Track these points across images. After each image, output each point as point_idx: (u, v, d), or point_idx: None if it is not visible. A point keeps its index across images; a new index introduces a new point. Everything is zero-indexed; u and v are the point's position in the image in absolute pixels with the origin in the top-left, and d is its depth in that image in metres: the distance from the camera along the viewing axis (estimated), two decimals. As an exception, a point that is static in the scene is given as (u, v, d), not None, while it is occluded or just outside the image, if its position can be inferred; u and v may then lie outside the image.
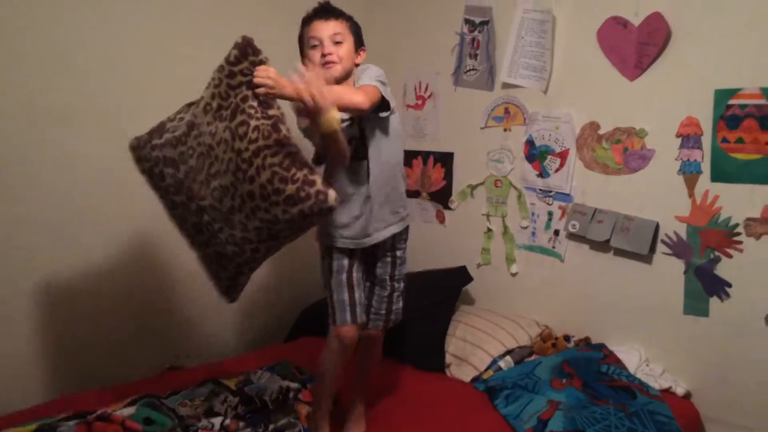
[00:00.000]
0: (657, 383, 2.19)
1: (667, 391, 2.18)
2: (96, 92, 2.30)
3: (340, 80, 1.86)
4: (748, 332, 2.10)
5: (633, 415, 1.96)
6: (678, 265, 2.25)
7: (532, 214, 2.65)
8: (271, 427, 1.97)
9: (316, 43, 1.85)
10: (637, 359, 2.28)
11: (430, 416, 2.08)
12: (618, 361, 2.24)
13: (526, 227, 2.67)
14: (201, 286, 2.63)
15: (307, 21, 1.89)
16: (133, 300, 2.48)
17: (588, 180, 2.47)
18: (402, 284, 2.04)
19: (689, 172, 2.21)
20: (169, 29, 2.48)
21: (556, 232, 2.57)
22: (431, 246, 2.97)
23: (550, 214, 2.59)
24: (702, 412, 2.19)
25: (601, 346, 2.34)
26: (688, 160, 2.21)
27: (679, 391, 2.20)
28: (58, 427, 1.80)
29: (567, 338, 2.48)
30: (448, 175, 2.90)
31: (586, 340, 2.44)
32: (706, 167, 2.17)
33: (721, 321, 2.16)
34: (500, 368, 2.37)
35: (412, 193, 3.03)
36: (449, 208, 2.92)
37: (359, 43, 1.94)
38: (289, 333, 2.84)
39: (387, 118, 1.88)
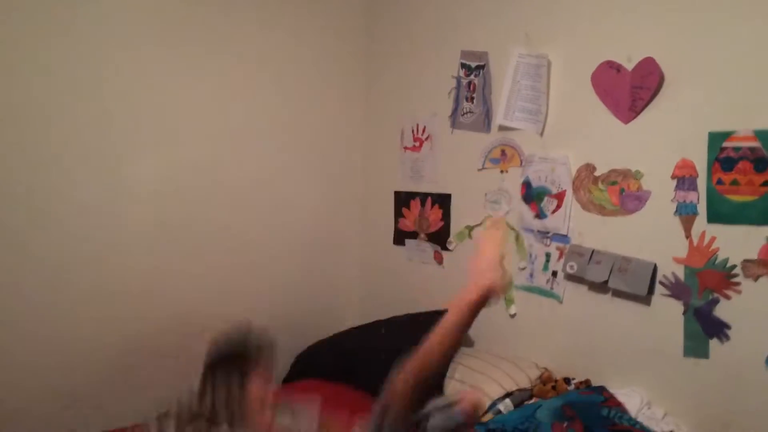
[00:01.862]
0: (659, 427, 2.16)
1: (667, 434, 2.16)
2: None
3: None
4: (748, 374, 2.08)
5: (636, 461, 1.94)
6: (677, 307, 2.24)
7: (530, 255, 2.65)
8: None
9: None
10: (638, 402, 2.25)
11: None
12: (619, 404, 2.22)
13: (524, 268, 2.67)
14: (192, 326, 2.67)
15: None
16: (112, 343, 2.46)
17: (585, 221, 2.48)
18: None
19: (685, 214, 2.23)
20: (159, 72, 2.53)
21: (554, 273, 2.57)
22: (429, 287, 2.97)
23: (547, 255, 2.59)
24: (704, 455, 2.17)
25: (602, 389, 2.31)
26: (684, 201, 2.22)
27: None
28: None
29: (567, 380, 2.46)
30: (446, 216, 2.92)
31: (587, 383, 2.42)
32: (702, 209, 2.18)
33: (721, 363, 2.14)
34: (500, 411, 2.34)
35: (411, 234, 3.04)
36: (447, 249, 2.93)
37: None
38: (286, 377, 2.81)
39: None
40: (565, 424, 2.13)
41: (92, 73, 2.37)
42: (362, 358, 2.67)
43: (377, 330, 2.83)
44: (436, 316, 2.70)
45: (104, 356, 2.45)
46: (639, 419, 2.17)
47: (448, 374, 2.51)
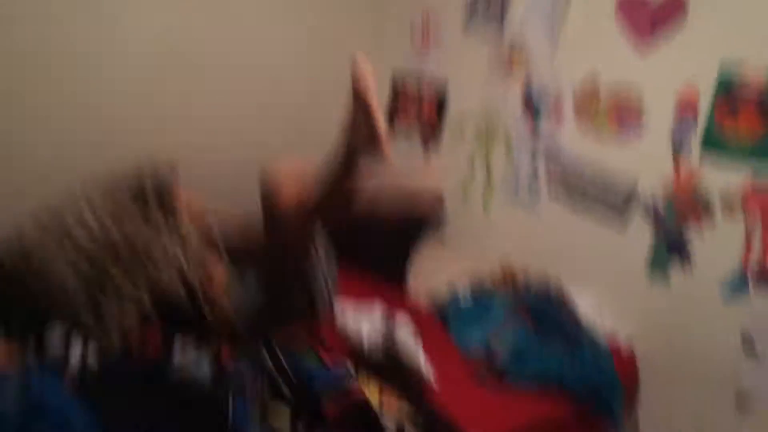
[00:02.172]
0: (605, 332, 2.26)
1: (613, 341, 2.25)
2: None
3: None
4: (701, 300, 2.17)
5: (576, 357, 2.03)
6: (649, 231, 2.30)
7: (518, 162, 2.67)
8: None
9: None
10: (589, 304, 2.34)
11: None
12: (572, 305, 2.30)
13: (509, 174, 2.70)
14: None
15: None
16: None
17: (579, 138, 2.49)
18: None
19: (680, 141, 2.24)
20: None
21: (537, 182, 2.60)
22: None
23: (535, 165, 2.62)
24: (642, 365, 2.28)
25: (558, 288, 2.39)
26: (681, 129, 2.23)
27: (624, 342, 2.27)
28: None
29: (527, 277, 2.54)
30: (441, 112, 2.90)
31: (545, 282, 2.50)
32: (697, 141, 2.19)
33: (679, 287, 2.22)
34: (458, 296, 2.42)
35: (404, 127, 3.03)
36: (436, 145, 2.93)
37: None
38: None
39: None
40: (517, 316, 2.22)
41: None
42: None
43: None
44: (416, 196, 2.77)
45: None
46: (588, 320, 2.26)
47: (415, 251, 2.57)
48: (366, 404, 1.50)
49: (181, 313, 1.58)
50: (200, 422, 1.45)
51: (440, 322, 2.26)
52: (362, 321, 1.87)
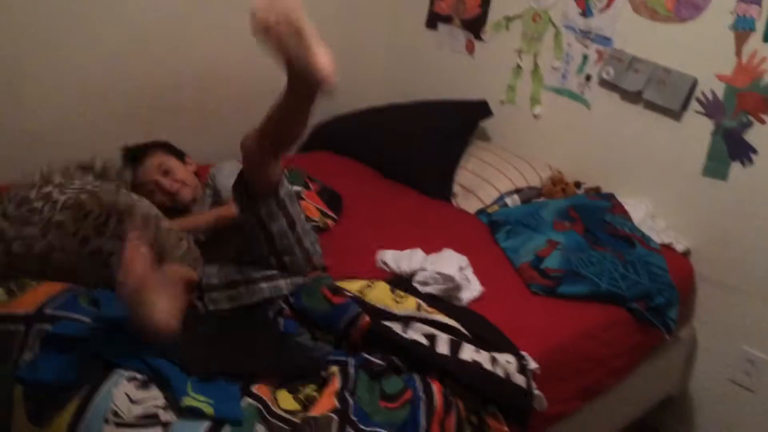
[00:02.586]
0: (658, 238, 2.21)
1: (667, 247, 2.21)
2: None
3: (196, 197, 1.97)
4: (762, 201, 2.08)
5: (628, 263, 2.00)
6: (707, 126, 2.17)
7: (567, 55, 2.52)
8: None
9: (152, 187, 1.91)
10: (643, 213, 2.28)
11: (432, 236, 2.11)
12: (624, 212, 2.25)
13: (557, 68, 2.56)
14: (216, 85, 2.63)
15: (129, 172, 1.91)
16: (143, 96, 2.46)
17: (633, 25, 2.31)
18: None
19: (741, 29, 2.07)
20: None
21: (588, 77, 2.47)
22: (456, 77, 2.87)
23: (585, 57, 2.47)
24: (697, 270, 2.24)
25: (610, 196, 2.33)
26: (744, 15, 2.05)
27: (679, 247, 2.23)
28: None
29: (578, 185, 2.47)
30: (485, 3, 2.73)
31: (597, 189, 2.43)
32: (761, 26, 2.02)
33: (737, 187, 2.13)
34: (506, 205, 2.39)
35: (444, 18, 2.88)
36: (481, 39, 2.78)
37: (180, 155, 2.03)
38: (304, 146, 2.84)
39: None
40: (566, 224, 2.18)
41: None
42: (375, 136, 2.67)
43: (395, 113, 2.80)
44: (460, 105, 2.70)
45: (123, 106, 2.44)
46: (641, 229, 2.21)
47: (460, 163, 2.53)
48: (383, 313, 1.53)
49: None
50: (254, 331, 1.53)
51: (489, 233, 2.25)
52: (402, 260, 1.88)
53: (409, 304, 1.56)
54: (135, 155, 2.04)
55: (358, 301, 1.54)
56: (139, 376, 1.21)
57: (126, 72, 2.41)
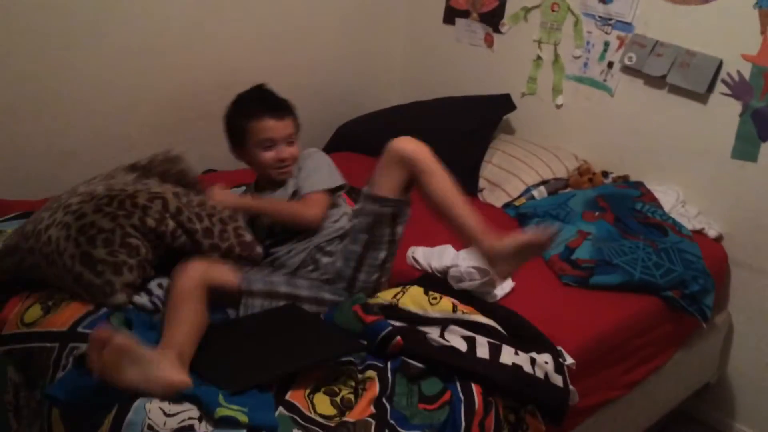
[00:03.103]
0: (690, 224, 2.18)
1: (699, 233, 2.18)
2: None
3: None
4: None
5: (661, 251, 1.97)
6: (735, 107, 2.14)
7: (587, 43, 2.49)
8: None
9: (270, 144, 1.77)
10: (673, 199, 2.25)
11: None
12: (654, 200, 2.22)
13: (578, 57, 2.53)
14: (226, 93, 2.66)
15: (255, 115, 1.77)
16: (170, 105, 2.49)
17: (653, 8, 2.28)
18: None
19: (766, 6, 2.03)
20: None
21: (610, 64, 2.44)
22: (476, 71, 2.86)
23: (606, 44, 2.44)
24: (731, 255, 2.20)
25: (639, 184, 2.30)
26: (770, -15, 2.02)
27: (712, 233, 2.19)
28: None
29: (605, 174, 2.45)
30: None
31: (625, 178, 2.41)
32: (787, 1, 1.99)
33: (768, 168, 2.10)
34: (533, 197, 2.38)
35: (461, 13, 2.86)
36: (499, 32, 2.76)
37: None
38: (326, 147, 2.85)
39: None
40: (596, 213, 2.16)
41: None
42: (398, 135, 2.65)
43: (417, 111, 2.79)
44: (483, 100, 2.68)
45: (152, 117, 2.48)
46: (672, 215, 2.18)
47: (485, 157, 2.52)
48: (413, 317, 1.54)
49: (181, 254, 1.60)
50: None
51: (517, 226, 2.23)
52: (433, 256, 1.88)
53: (445, 306, 1.56)
54: (272, 103, 1.85)
55: (393, 309, 1.54)
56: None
57: (152, 83, 2.45)
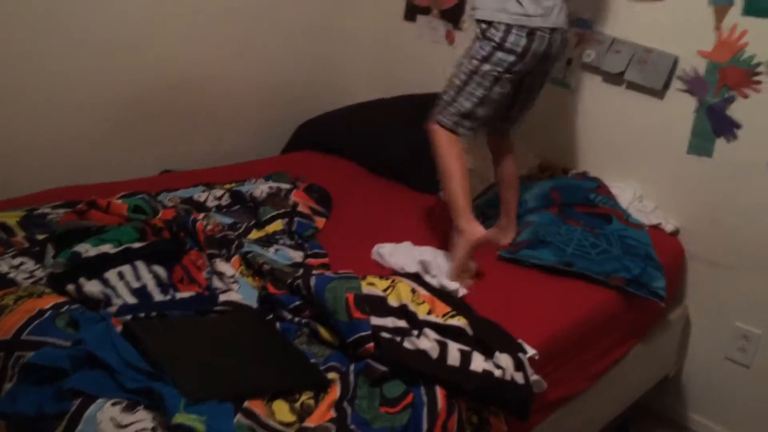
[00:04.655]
0: (647, 219, 2.21)
1: (656, 228, 2.20)
2: None
3: None
4: (749, 175, 2.08)
5: (600, 236, 1.98)
6: (690, 103, 2.17)
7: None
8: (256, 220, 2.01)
9: None
10: (630, 195, 2.27)
11: (422, 230, 2.12)
12: (609, 193, 2.24)
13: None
14: (198, 90, 2.60)
15: None
16: (129, 102, 2.43)
17: (611, 6, 2.30)
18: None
19: (720, 3, 2.06)
20: None
21: (569, 61, 2.45)
22: (438, 68, 2.84)
23: (564, 33, 2.45)
24: (688, 249, 2.24)
25: (597, 179, 2.32)
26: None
27: (668, 227, 2.23)
28: (47, 215, 1.81)
29: (565, 171, 2.46)
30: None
31: (584, 174, 2.42)
32: (739, -1, 2.02)
33: (724, 162, 2.13)
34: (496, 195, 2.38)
35: (422, 9, 2.85)
36: (460, 29, 2.76)
37: None
38: (287, 146, 2.81)
39: None
40: (544, 209, 2.15)
41: None
42: (360, 133, 2.65)
43: (378, 108, 2.77)
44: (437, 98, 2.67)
45: (108, 109, 2.39)
46: (629, 211, 2.20)
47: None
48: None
49: None
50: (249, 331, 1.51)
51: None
52: (397, 253, 1.87)
53: (425, 308, 1.55)
54: None
55: (383, 303, 1.52)
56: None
57: (110, 80, 2.37)
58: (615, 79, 2.33)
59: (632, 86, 2.29)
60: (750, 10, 2.00)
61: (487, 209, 2.24)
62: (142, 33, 2.41)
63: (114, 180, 2.21)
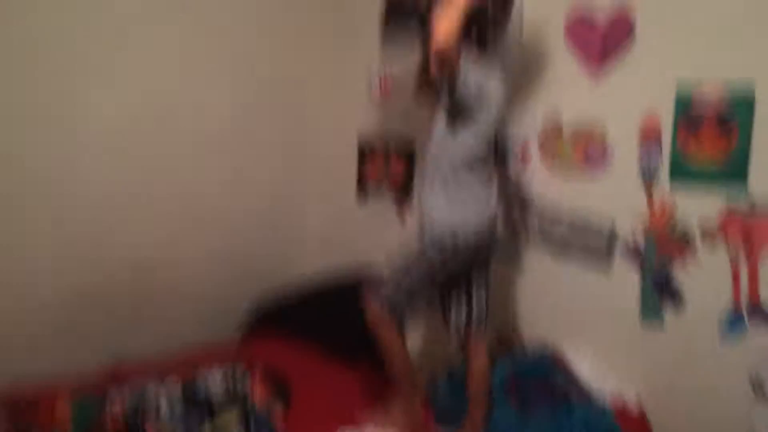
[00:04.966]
0: (607, 390, 2.13)
1: (615, 398, 2.12)
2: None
3: None
4: (699, 340, 2.04)
5: (572, 426, 1.92)
6: (635, 272, 2.18)
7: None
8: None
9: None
10: (588, 367, 2.21)
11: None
12: (566, 369, 2.18)
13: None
14: (149, 274, 2.64)
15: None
16: (64, 289, 2.44)
17: (550, 182, 2.39)
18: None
19: (648, 175, 2.13)
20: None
21: (517, 234, 2.50)
22: (390, 243, 2.89)
23: (510, 212, 2.51)
24: (652, 419, 2.14)
25: (553, 353, 2.27)
26: (648, 162, 2.13)
27: (629, 398, 2.14)
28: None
29: (522, 344, 2.42)
30: (408, 171, 2.82)
31: (542, 346, 2.38)
32: (665, 171, 2.09)
33: (675, 329, 2.09)
34: (449, 373, 2.33)
35: (373, 186, 2.96)
36: (409, 208, 2.85)
37: None
38: (241, 328, 2.79)
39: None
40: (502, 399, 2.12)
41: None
42: (313, 313, 2.66)
43: (329, 286, 2.80)
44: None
45: (56, 303, 2.40)
46: (589, 382, 2.14)
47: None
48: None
49: None
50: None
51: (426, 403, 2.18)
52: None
53: None
54: None
55: None
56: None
57: (55, 267, 2.41)
58: (561, 248, 2.36)
59: (579, 256, 2.31)
60: (675, 180, 2.06)
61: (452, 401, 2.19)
62: (95, 219, 2.48)
63: (61, 370, 2.17)
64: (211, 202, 2.82)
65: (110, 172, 2.49)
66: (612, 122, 2.21)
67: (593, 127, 2.25)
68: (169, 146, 2.64)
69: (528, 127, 2.43)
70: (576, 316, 2.34)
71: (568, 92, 2.32)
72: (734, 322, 1.95)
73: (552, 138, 2.37)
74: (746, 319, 1.92)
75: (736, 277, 1.94)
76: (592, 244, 2.25)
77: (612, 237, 2.21)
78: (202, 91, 2.73)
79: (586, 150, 2.27)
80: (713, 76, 1.96)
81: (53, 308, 2.40)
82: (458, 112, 1.94)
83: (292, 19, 3.00)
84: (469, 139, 1.96)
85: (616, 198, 2.21)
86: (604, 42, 2.20)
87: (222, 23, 2.77)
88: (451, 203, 1.95)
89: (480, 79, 1.93)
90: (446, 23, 1.79)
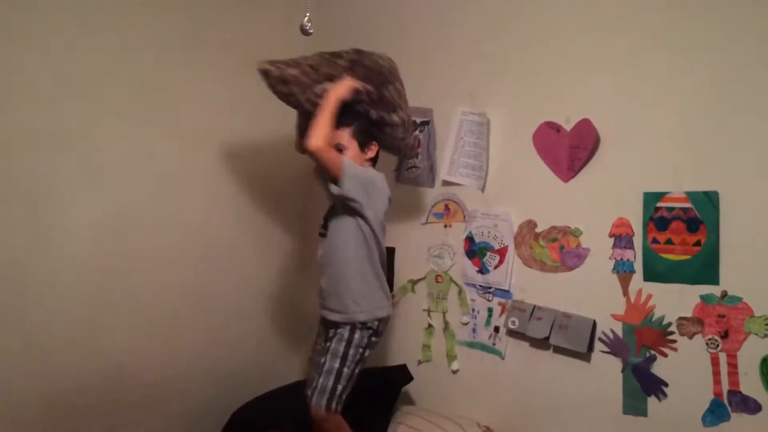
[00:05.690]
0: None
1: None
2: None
3: None
4: (683, 428, 2.09)
5: None
6: (616, 364, 2.26)
7: (473, 310, 2.65)
8: None
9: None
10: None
11: None
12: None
13: (466, 323, 2.66)
14: (129, 381, 2.53)
15: None
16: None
17: (526, 277, 2.49)
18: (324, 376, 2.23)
19: (622, 271, 2.26)
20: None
21: (497, 329, 2.57)
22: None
23: (490, 310, 2.59)
24: None
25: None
26: (621, 259, 2.27)
27: (622, 494, 2.16)
28: None
29: (505, 439, 2.43)
30: (390, 270, 2.89)
31: (527, 441, 2.40)
32: (638, 267, 2.22)
33: (659, 422, 2.15)
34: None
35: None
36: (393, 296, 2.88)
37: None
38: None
39: (354, 218, 2.25)
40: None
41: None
42: (298, 414, 2.57)
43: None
44: (380, 373, 2.69)
45: (28, 412, 2.28)
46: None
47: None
48: None
49: None
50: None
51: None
52: None
53: None
54: None
55: None
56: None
57: (28, 375, 2.30)
58: (541, 343, 2.43)
59: (559, 350, 2.39)
60: (648, 276, 2.20)
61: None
62: (69, 331, 2.40)
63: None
64: (187, 316, 2.77)
65: (84, 280, 2.45)
66: (584, 223, 2.36)
67: (566, 227, 2.40)
68: (144, 255, 2.61)
69: (504, 231, 2.56)
70: (559, 407, 2.38)
71: (540, 196, 2.47)
72: (716, 410, 2.04)
73: (528, 239, 2.49)
74: (728, 407, 2.01)
75: (715, 365, 2.05)
76: (572, 335, 2.33)
77: (593, 328, 2.30)
78: (177, 200, 2.74)
79: (561, 249, 2.41)
80: (676, 187, 2.13)
81: (25, 419, 2.28)
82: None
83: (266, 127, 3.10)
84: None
85: (593, 292, 2.31)
86: (570, 151, 2.39)
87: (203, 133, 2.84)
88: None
89: (361, 173, 2.24)
90: (317, 125, 2.16)
